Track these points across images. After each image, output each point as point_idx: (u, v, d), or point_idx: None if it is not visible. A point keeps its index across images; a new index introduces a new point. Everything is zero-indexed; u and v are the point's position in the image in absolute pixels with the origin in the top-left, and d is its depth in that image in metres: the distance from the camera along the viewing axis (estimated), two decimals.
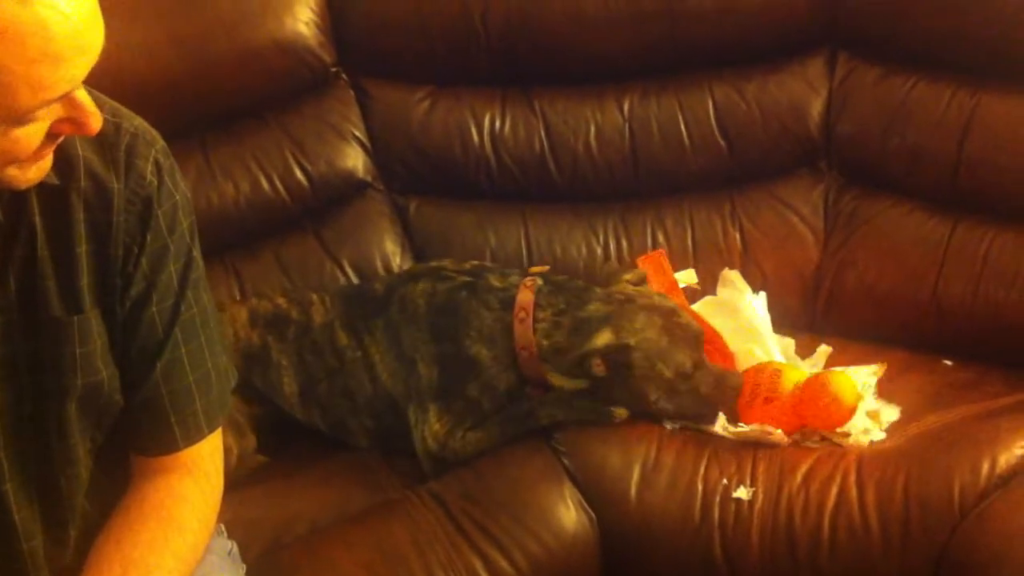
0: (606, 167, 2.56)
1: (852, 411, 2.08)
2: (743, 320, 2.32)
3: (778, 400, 2.09)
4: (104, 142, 1.33)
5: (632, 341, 2.07)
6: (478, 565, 1.97)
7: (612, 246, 2.54)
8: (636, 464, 2.07)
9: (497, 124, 2.56)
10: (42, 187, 1.28)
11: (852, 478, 2.00)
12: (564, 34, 2.53)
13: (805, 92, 2.55)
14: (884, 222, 2.48)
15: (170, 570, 1.39)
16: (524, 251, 2.54)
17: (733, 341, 2.28)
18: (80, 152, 1.31)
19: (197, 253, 1.43)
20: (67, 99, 1.18)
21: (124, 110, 1.37)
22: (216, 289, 2.21)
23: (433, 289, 2.20)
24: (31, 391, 1.35)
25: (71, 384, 1.35)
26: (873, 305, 2.45)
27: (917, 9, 2.44)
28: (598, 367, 2.07)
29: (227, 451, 1.58)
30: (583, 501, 2.07)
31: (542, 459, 2.10)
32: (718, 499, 2.03)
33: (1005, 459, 1.99)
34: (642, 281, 2.22)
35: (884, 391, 2.20)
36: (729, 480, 2.03)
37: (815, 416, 2.08)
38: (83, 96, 1.19)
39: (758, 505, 2.01)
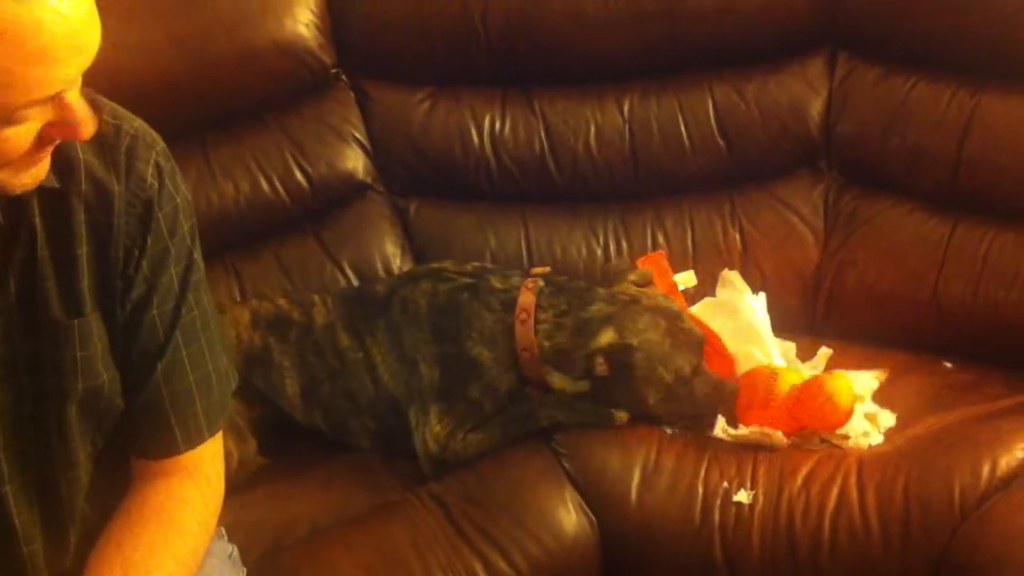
0: (606, 168, 2.56)
1: (849, 413, 2.08)
2: (742, 321, 2.32)
3: (775, 403, 2.09)
4: (104, 144, 1.33)
5: (635, 341, 2.07)
6: (478, 567, 1.97)
7: (612, 247, 2.54)
8: (636, 467, 2.07)
9: (497, 125, 2.56)
10: (42, 190, 1.28)
11: (852, 480, 2.00)
12: (564, 34, 2.53)
13: (805, 92, 2.55)
14: (884, 222, 2.48)
15: (170, 573, 1.39)
16: (524, 252, 2.54)
17: (732, 342, 2.28)
18: (80, 155, 1.31)
19: (198, 255, 1.43)
20: (59, 102, 1.16)
21: (124, 112, 1.37)
22: (216, 290, 2.21)
23: (435, 290, 2.20)
24: (31, 394, 1.34)
25: (71, 387, 1.35)
26: (873, 305, 2.45)
27: (917, 9, 2.44)
28: (601, 366, 2.07)
29: (227, 456, 1.57)
30: (583, 503, 2.06)
31: (542, 461, 2.10)
32: (718, 502, 2.02)
33: (1006, 461, 1.99)
34: (647, 281, 2.21)
35: (884, 394, 2.20)
36: (729, 483, 2.03)
37: (811, 418, 2.08)
38: (76, 101, 1.18)
39: (758, 508, 2.01)
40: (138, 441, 1.45)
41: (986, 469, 1.97)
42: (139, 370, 1.40)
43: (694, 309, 2.36)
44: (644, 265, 2.40)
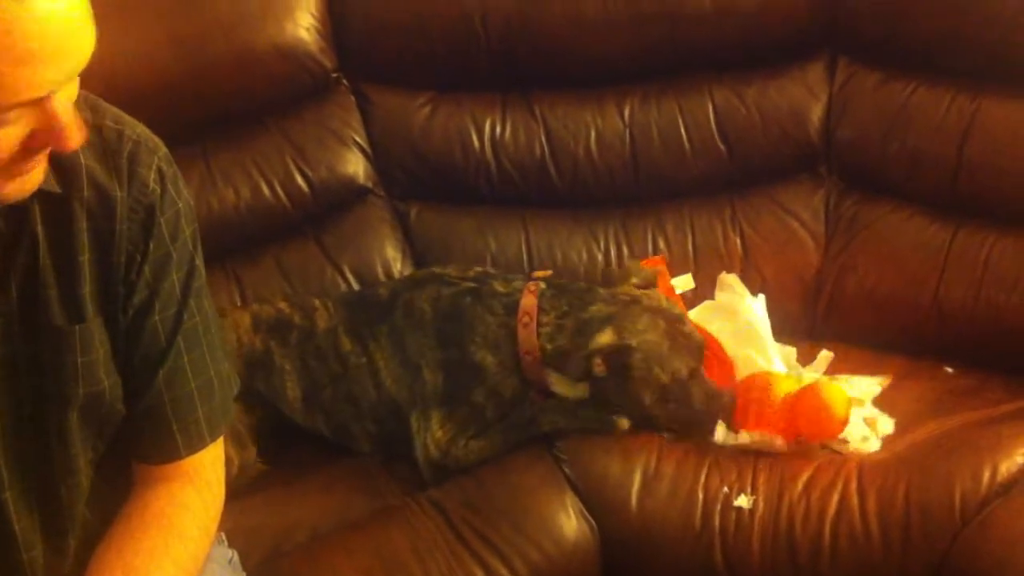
0: (606, 172, 2.56)
1: (844, 422, 2.07)
2: (742, 324, 2.31)
3: (770, 410, 2.08)
4: (107, 150, 1.32)
5: (633, 342, 2.06)
6: (478, 573, 1.97)
7: (613, 251, 2.54)
8: (637, 472, 2.07)
9: (498, 130, 2.56)
10: (44, 196, 1.27)
11: (853, 485, 2.00)
12: (564, 37, 2.53)
13: (805, 97, 2.56)
14: (884, 227, 2.48)
15: None
16: (525, 256, 2.54)
17: (732, 346, 2.28)
18: (83, 160, 1.30)
19: (200, 261, 1.42)
20: (44, 108, 1.14)
21: (127, 117, 1.36)
22: (217, 295, 2.21)
23: (438, 295, 2.20)
24: (32, 400, 1.34)
25: (72, 393, 1.35)
26: (874, 310, 2.45)
27: (916, 13, 2.44)
28: (599, 366, 2.06)
29: (227, 462, 1.57)
30: (584, 509, 2.06)
31: (543, 467, 2.10)
32: (719, 507, 2.02)
33: (1006, 466, 1.99)
34: (650, 283, 2.21)
35: (885, 398, 2.20)
36: (730, 488, 2.03)
37: (806, 426, 2.07)
38: (63, 107, 1.15)
39: (759, 513, 2.01)
40: (139, 446, 1.45)
41: (987, 474, 1.97)
42: (141, 376, 1.40)
43: (693, 313, 2.35)
44: None
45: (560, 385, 2.14)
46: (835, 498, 2.00)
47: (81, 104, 1.31)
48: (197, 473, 1.47)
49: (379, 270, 2.49)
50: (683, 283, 2.46)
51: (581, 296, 2.15)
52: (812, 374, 2.27)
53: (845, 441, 2.09)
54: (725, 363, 2.25)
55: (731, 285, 2.43)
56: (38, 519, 1.40)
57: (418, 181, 2.58)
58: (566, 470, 2.09)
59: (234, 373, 1.53)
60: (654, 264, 2.44)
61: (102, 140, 1.32)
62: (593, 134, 2.56)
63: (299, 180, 2.47)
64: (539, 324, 2.12)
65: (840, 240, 2.51)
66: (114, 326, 1.36)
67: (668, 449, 2.10)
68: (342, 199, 2.52)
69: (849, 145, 2.54)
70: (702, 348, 2.14)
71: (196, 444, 1.45)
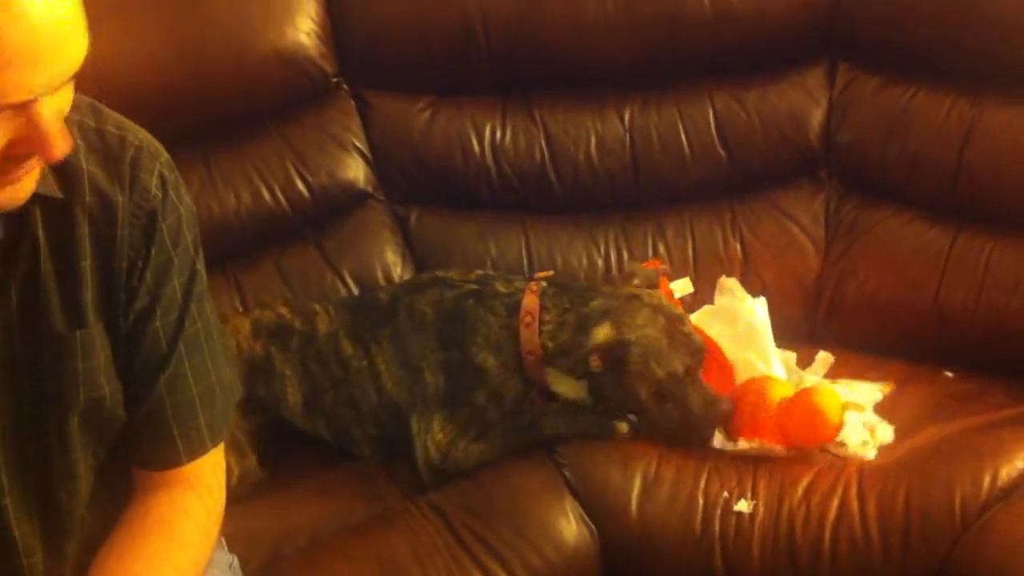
0: (607, 177, 2.56)
1: (837, 428, 2.07)
2: (741, 327, 2.31)
3: (765, 415, 2.08)
4: (109, 155, 1.32)
5: (631, 336, 2.06)
6: None
7: (613, 256, 2.55)
8: (637, 477, 2.07)
9: (498, 134, 2.56)
10: (46, 201, 1.27)
11: (853, 490, 2.00)
12: (564, 41, 2.53)
13: (805, 101, 2.56)
14: (885, 231, 2.48)
15: None
16: (525, 261, 2.54)
17: (731, 350, 2.27)
18: (84, 166, 1.30)
19: (201, 267, 1.42)
20: (29, 114, 1.11)
21: (129, 123, 1.36)
22: (217, 299, 2.17)
23: (440, 297, 2.20)
24: (32, 405, 1.34)
25: (73, 399, 1.35)
26: (874, 314, 2.45)
27: (915, 17, 2.44)
28: (595, 362, 2.06)
29: (227, 471, 1.57)
30: (584, 514, 2.06)
31: (543, 472, 2.09)
32: (719, 512, 2.02)
33: (1007, 471, 1.99)
34: (653, 285, 2.21)
35: (885, 403, 2.20)
36: (730, 493, 2.03)
37: (799, 431, 2.07)
38: (47, 116, 1.13)
39: (759, 518, 2.01)
40: (140, 452, 1.45)
41: (987, 479, 1.97)
42: (142, 382, 1.40)
43: (693, 317, 2.35)
44: None
45: (560, 384, 2.13)
46: (835, 503, 1.99)
47: (84, 109, 1.32)
48: (198, 479, 1.47)
49: (379, 275, 2.49)
50: (682, 287, 2.46)
51: (582, 293, 2.15)
52: (812, 377, 2.27)
53: (843, 444, 2.08)
54: (725, 367, 2.25)
55: (731, 289, 2.43)
56: (38, 525, 1.40)
57: (418, 186, 2.58)
58: (566, 475, 2.09)
59: (236, 379, 1.53)
60: (652, 266, 2.44)
61: (104, 145, 1.32)
62: (593, 139, 2.56)
63: (299, 185, 2.47)
64: (541, 323, 2.12)
65: (840, 244, 2.51)
66: (115, 332, 1.36)
67: (668, 454, 2.09)
68: (342, 204, 2.52)
69: (849, 149, 2.54)
70: (702, 350, 2.13)
71: (197, 450, 1.45)
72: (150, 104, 1.97)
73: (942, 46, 2.43)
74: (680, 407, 2.08)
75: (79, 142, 1.30)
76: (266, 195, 2.44)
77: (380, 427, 2.20)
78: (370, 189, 2.55)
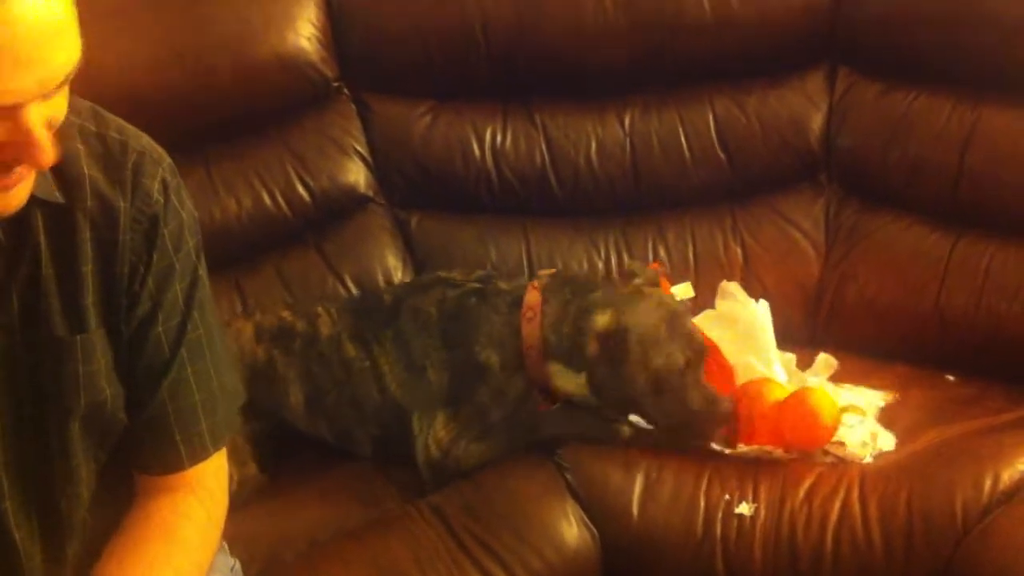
0: (607, 181, 2.56)
1: (831, 430, 2.07)
2: (742, 330, 2.31)
3: (759, 417, 2.08)
4: (110, 160, 1.32)
5: (630, 323, 2.05)
6: None
7: (613, 260, 2.55)
8: (638, 479, 2.07)
9: (498, 138, 2.57)
10: (47, 205, 1.27)
11: (855, 493, 2.00)
12: (564, 45, 2.53)
13: (805, 106, 2.56)
14: (885, 236, 2.48)
15: None
16: (525, 265, 2.54)
17: (732, 353, 2.27)
18: (86, 171, 1.30)
19: (203, 272, 1.42)
20: (15, 119, 1.10)
21: (130, 128, 1.36)
22: (218, 303, 2.19)
23: (443, 297, 2.20)
24: (33, 409, 1.33)
25: (74, 403, 1.34)
26: (874, 319, 2.45)
27: (916, 22, 2.45)
28: (592, 345, 2.05)
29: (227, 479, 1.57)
30: (585, 517, 2.06)
31: (544, 474, 2.09)
32: (720, 514, 2.02)
33: (1008, 475, 1.99)
34: (655, 284, 2.20)
35: (887, 408, 2.20)
36: (731, 495, 2.03)
37: (793, 433, 2.07)
38: (34, 121, 1.11)
39: (760, 520, 2.01)
40: (141, 457, 1.44)
41: (988, 483, 1.97)
42: (144, 387, 1.39)
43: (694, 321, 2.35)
44: None
45: (561, 378, 2.12)
46: (837, 505, 1.99)
47: (85, 114, 1.32)
48: (200, 483, 1.46)
49: (380, 279, 2.49)
50: (682, 291, 2.45)
51: (584, 285, 2.15)
52: (813, 379, 2.27)
53: (842, 444, 2.08)
54: (725, 369, 2.25)
55: (732, 293, 2.42)
56: (38, 528, 1.39)
57: (419, 190, 2.58)
58: (567, 477, 2.09)
59: (239, 383, 1.52)
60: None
61: (106, 150, 1.32)
62: (594, 143, 2.56)
63: (300, 189, 2.47)
64: (543, 315, 2.11)
65: (841, 249, 2.51)
66: (117, 337, 1.36)
67: (669, 456, 2.09)
68: (343, 208, 2.52)
69: (850, 154, 2.54)
70: (703, 347, 2.12)
71: (199, 455, 1.45)
72: (151, 108, 1.96)
73: (942, 50, 2.43)
74: (679, 403, 2.07)
75: (80, 147, 1.30)
76: (267, 199, 2.44)
77: (382, 427, 2.20)
78: (371, 193, 2.55)
